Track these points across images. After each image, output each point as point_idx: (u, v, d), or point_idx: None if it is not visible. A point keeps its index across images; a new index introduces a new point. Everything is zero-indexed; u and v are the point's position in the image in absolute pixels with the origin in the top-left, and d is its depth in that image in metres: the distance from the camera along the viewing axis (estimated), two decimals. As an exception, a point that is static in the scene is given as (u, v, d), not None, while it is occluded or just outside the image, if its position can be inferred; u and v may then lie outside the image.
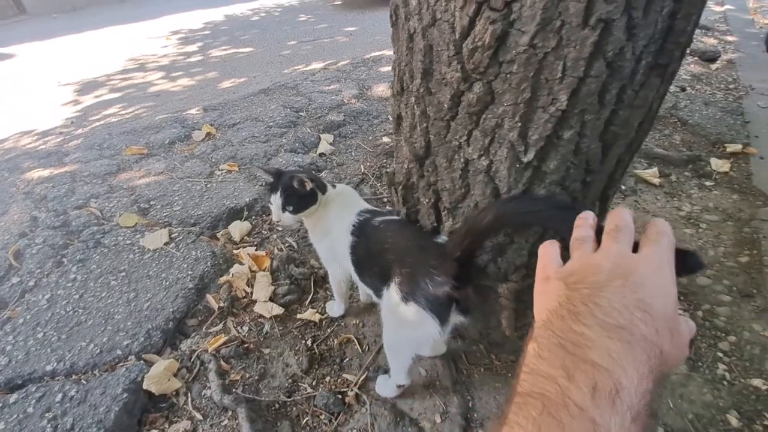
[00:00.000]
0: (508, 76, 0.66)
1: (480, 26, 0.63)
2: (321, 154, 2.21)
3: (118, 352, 1.22)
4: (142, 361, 1.19)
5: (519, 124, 0.70)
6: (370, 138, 2.35)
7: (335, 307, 1.29)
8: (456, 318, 0.87)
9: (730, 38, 3.44)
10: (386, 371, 1.09)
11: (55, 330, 1.31)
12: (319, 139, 2.33)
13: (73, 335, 1.28)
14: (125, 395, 1.08)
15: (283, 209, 1.05)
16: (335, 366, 1.17)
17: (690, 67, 2.90)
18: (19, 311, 1.39)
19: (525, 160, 0.73)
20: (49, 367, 1.20)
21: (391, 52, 0.91)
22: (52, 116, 3.25)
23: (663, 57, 0.65)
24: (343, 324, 1.29)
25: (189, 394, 1.12)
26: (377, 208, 1.10)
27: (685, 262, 0.42)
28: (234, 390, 1.11)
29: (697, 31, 3.40)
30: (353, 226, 1.01)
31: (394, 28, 0.86)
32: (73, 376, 1.17)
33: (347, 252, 1.01)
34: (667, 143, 2.09)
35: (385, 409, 1.04)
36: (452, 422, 1.01)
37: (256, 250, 1.56)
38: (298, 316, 1.31)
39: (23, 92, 4.03)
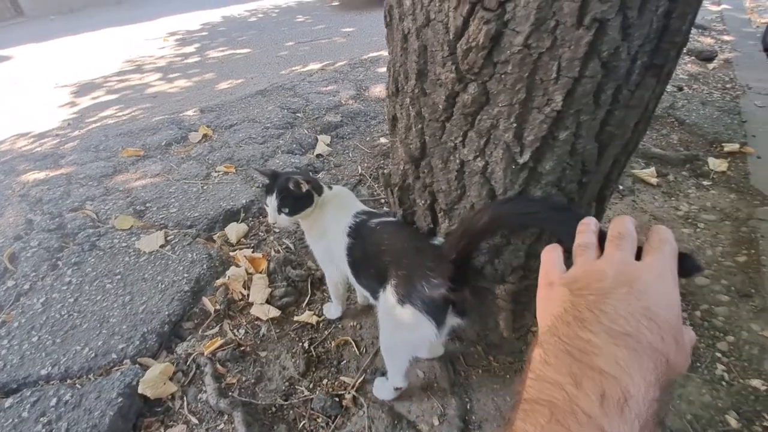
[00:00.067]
0: (502, 76, 0.66)
1: (474, 26, 0.63)
2: (318, 156, 2.21)
3: (113, 356, 1.21)
4: (137, 365, 1.18)
5: (514, 124, 0.69)
6: (368, 139, 2.35)
7: (332, 309, 1.29)
8: (453, 320, 0.86)
9: (726, 38, 3.44)
10: (384, 374, 1.08)
11: (49, 334, 1.30)
12: (317, 140, 2.32)
13: (67, 339, 1.27)
14: (120, 400, 1.07)
15: (279, 211, 1.04)
16: (332, 368, 1.16)
17: (687, 66, 2.91)
18: (14, 315, 1.38)
19: (521, 161, 0.72)
20: (43, 372, 1.19)
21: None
22: (49, 118, 3.23)
23: (659, 57, 0.64)
24: (340, 326, 1.28)
25: (185, 398, 1.11)
26: (374, 210, 1.10)
27: (683, 265, 0.42)
28: (230, 393, 1.10)
29: (694, 30, 3.42)
30: (349, 227, 1.01)
31: (388, 28, 0.85)
32: (68, 381, 1.17)
33: (344, 254, 1.01)
34: (664, 143, 2.08)
35: (383, 412, 1.04)
36: (450, 424, 1.00)
37: (252, 252, 1.56)
38: (295, 318, 1.30)
39: (20, 94, 4.02)
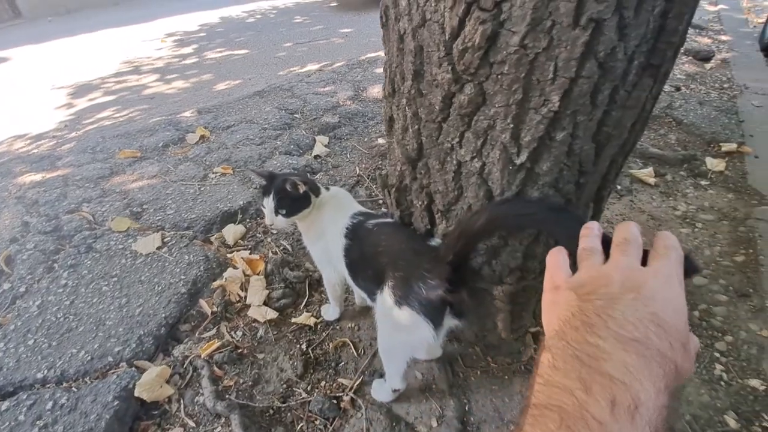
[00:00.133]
0: (499, 77, 0.65)
1: (470, 27, 0.63)
2: (316, 156, 2.20)
3: (110, 359, 1.20)
4: (133, 368, 1.17)
5: (511, 125, 0.69)
6: (366, 140, 2.34)
7: (330, 311, 1.28)
8: (450, 321, 0.86)
9: (724, 37, 3.45)
10: (382, 375, 1.08)
11: (45, 337, 1.29)
12: (314, 141, 2.32)
13: (63, 342, 1.27)
14: (116, 403, 1.06)
15: (276, 212, 1.03)
16: (330, 370, 1.16)
17: (684, 66, 2.91)
18: (10, 318, 1.37)
19: (518, 161, 0.72)
20: (39, 375, 1.18)
21: (387, 54, 0.90)
22: (46, 120, 3.22)
23: (655, 57, 0.64)
24: (338, 327, 1.28)
25: (182, 401, 1.10)
26: (371, 211, 1.09)
27: None
28: (227, 396, 1.10)
29: (691, 30, 3.43)
30: (347, 228, 1.00)
31: (384, 29, 0.85)
32: (64, 384, 1.16)
33: (341, 255, 1.00)
34: (662, 143, 2.09)
35: (381, 414, 1.03)
36: (449, 426, 1.00)
37: (250, 253, 1.55)
38: (293, 320, 1.29)
39: (18, 96, 4.00)
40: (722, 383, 1.05)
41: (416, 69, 0.76)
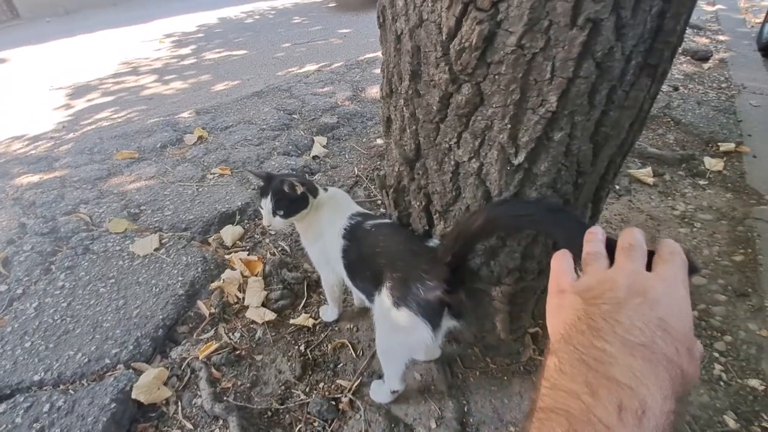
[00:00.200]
0: (496, 77, 0.65)
1: (467, 27, 0.62)
2: (314, 157, 2.20)
3: (107, 361, 1.20)
4: (131, 370, 1.16)
5: (509, 125, 0.69)
6: (364, 140, 2.34)
7: (329, 312, 1.28)
8: (449, 322, 0.86)
9: (721, 37, 3.46)
10: (380, 376, 1.07)
11: (42, 339, 1.28)
12: (313, 141, 2.32)
13: (60, 344, 1.26)
14: (113, 405, 1.06)
15: (274, 213, 1.03)
16: (329, 372, 1.16)
17: (682, 66, 2.91)
18: (7, 320, 1.37)
19: (516, 162, 0.72)
20: (36, 377, 1.17)
21: (385, 54, 0.90)
22: (44, 121, 3.22)
23: (653, 57, 0.64)
24: (337, 329, 1.27)
25: (179, 403, 1.10)
26: (369, 212, 1.09)
27: None
28: (225, 398, 1.09)
29: (689, 30, 3.43)
30: (345, 229, 1.00)
31: (381, 29, 0.85)
32: (61, 386, 1.15)
33: (339, 256, 1.00)
34: (660, 143, 2.09)
35: (380, 415, 1.03)
36: (448, 427, 1.00)
37: (248, 254, 1.55)
38: (291, 321, 1.29)
39: (16, 97, 3.99)
40: (721, 383, 1.05)
41: (413, 69, 0.75)
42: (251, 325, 1.30)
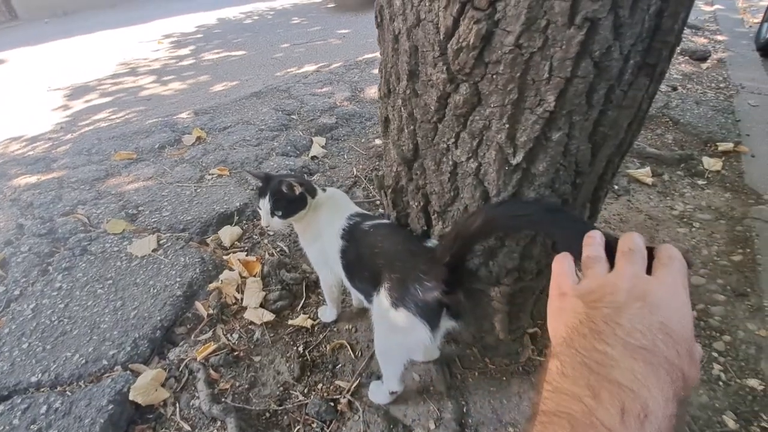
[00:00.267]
0: (494, 76, 0.65)
1: (464, 26, 0.62)
2: (313, 158, 2.19)
3: (104, 362, 1.19)
4: (128, 372, 1.16)
5: (507, 125, 0.68)
6: (363, 140, 2.34)
7: (327, 313, 1.27)
8: (447, 323, 0.85)
9: (720, 37, 3.47)
10: (379, 377, 1.07)
11: (40, 340, 1.28)
12: (311, 142, 2.31)
13: (58, 346, 1.25)
14: (111, 407, 1.05)
15: (272, 214, 1.03)
16: (327, 372, 1.15)
17: (681, 66, 2.92)
18: (5, 321, 1.36)
19: (514, 162, 0.72)
20: (33, 379, 1.17)
21: (383, 55, 0.89)
22: (42, 121, 3.21)
23: (651, 56, 0.64)
24: (335, 329, 1.27)
25: (177, 405, 1.09)
26: (367, 212, 1.09)
27: None
28: (223, 399, 1.09)
29: (687, 30, 3.44)
30: (343, 230, 1.00)
31: (379, 29, 0.85)
32: (58, 388, 1.15)
33: (337, 256, 1.00)
34: (659, 142, 2.09)
35: (378, 416, 1.03)
36: (447, 428, 0.99)
37: (246, 255, 1.54)
38: (290, 322, 1.29)
39: (14, 98, 3.99)
40: (720, 383, 1.05)
41: (411, 69, 0.75)
42: (249, 326, 1.29)
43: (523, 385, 1.07)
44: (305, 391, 1.10)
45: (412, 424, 1.01)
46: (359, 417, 1.03)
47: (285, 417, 1.06)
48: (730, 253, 1.41)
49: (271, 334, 1.26)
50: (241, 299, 1.36)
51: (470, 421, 1.02)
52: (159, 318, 1.30)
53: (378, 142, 2.28)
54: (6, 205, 1.98)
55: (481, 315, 1.02)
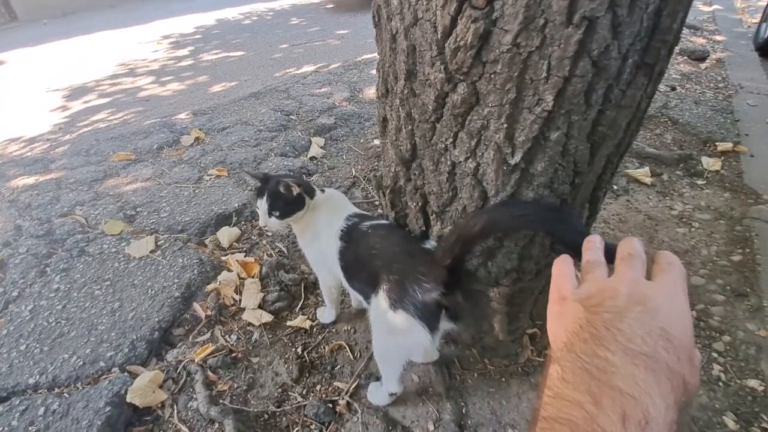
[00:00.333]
0: (492, 76, 0.64)
1: (462, 25, 0.62)
2: (312, 158, 2.19)
3: (102, 364, 1.19)
4: (126, 373, 1.15)
5: (505, 125, 0.68)
6: (362, 141, 2.33)
7: (326, 314, 1.27)
8: (446, 325, 0.85)
9: (718, 37, 3.47)
10: (378, 378, 1.06)
11: (37, 342, 1.27)
12: (310, 142, 2.31)
13: (55, 347, 1.25)
14: (108, 409, 1.05)
15: (270, 214, 1.02)
16: (326, 374, 1.15)
17: (680, 66, 2.92)
18: (3, 323, 1.36)
19: (512, 162, 0.71)
20: (31, 380, 1.17)
21: (382, 55, 0.89)
22: (40, 122, 3.20)
23: (650, 56, 0.64)
24: (334, 330, 1.26)
25: (175, 406, 1.09)
26: (366, 213, 1.08)
27: None
28: (221, 401, 1.08)
29: (686, 30, 3.44)
30: (341, 230, 0.99)
31: (377, 28, 0.84)
32: (56, 390, 1.14)
33: (336, 257, 0.99)
34: (658, 142, 2.09)
35: (377, 418, 1.02)
36: (446, 429, 0.99)
37: (245, 256, 1.54)
38: (288, 323, 1.28)
39: (13, 98, 3.98)
40: (720, 384, 1.04)
41: (409, 69, 0.75)
42: (248, 328, 1.29)
43: (523, 385, 1.07)
44: (304, 392, 1.10)
45: (411, 425, 1.01)
46: (358, 418, 1.02)
47: (283, 418, 1.05)
48: (729, 253, 1.41)
49: (270, 336, 1.25)
50: (240, 300, 1.35)
51: (469, 422, 1.01)
52: (157, 319, 1.30)
53: (377, 142, 2.27)
54: (4, 207, 1.97)
55: (480, 316, 1.02)
